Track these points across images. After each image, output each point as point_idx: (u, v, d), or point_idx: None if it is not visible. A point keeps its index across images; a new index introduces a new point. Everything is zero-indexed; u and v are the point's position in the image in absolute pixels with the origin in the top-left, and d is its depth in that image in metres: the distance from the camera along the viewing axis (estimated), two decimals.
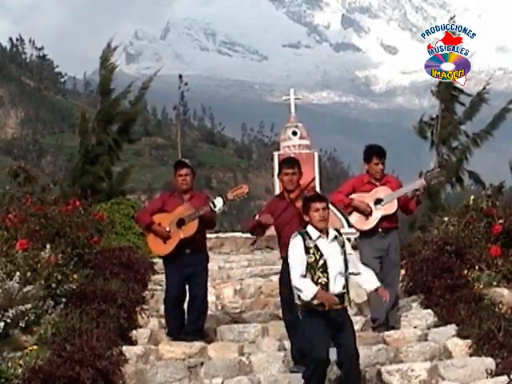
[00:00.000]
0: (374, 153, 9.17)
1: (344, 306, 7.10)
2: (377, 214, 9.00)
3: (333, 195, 9.39)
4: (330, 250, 7.07)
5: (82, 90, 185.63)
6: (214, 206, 8.83)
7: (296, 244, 7.11)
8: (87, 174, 20.24)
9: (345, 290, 7.08)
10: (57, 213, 11.28)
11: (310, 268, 7.01)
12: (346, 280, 7.10)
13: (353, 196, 9.10)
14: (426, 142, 23.17)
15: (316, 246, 7.06)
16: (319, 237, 7.09)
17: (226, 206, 9.07)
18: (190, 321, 9.07)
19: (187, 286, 9.12)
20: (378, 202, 9.03)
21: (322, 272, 6.99)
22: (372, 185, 9.14)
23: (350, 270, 7.18)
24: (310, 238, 7.08)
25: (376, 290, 7.30)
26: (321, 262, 7.01)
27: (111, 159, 21.00)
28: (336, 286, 7.02)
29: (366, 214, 9.03)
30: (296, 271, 7.04)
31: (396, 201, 9.01)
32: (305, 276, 7.00)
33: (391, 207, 9.01)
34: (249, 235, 9.12)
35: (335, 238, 7.13)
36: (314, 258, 7.01)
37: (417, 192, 9.08)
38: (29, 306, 8.24)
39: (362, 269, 7.32)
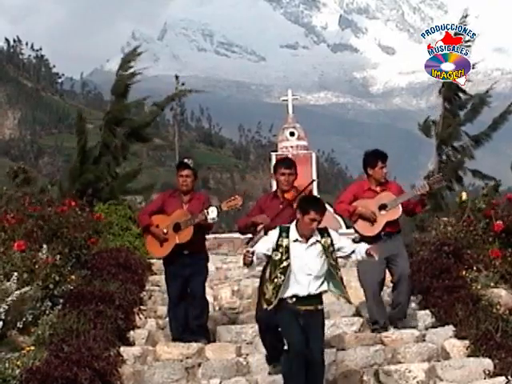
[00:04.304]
0: (378, 157, 9.14)
1: (317, 308, 7.11)
2: (382, 219, 8.99)
3: (336, 205, 9.32)
4: (304, 255, 7.04)
5: (78, 91, 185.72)
6: (208, 215, 8.86)
7: (271, 235, 7.18)
8: (86, 173, 20.12)
9: (319, 292, 7.08)
10: (54, 213, 11.27)
11: (272, 265, 7.04)
12: (329, 283, 7.12)
13: (356, 203, 9.09)
14: (428, 141, 23.05)
15: (287, 247, 7.04)
16: (296, 240, 7.09)
17: (220, 215, 9.09)
18: (192, 318, 9.07)
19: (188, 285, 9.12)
20: (382, 207, 9.02)
21: (280, 273, 6.98)
22: (373, 191, 9.11)
23: (341, 254, 7.22)
24: (287, 237, 7.08)
25: (367, 254, 7.24)
26: (284, 263, 6.99)
27: (116, 160, 20.84)
28: (310, 288, 7.02)
29: (371, 220, 9.02)
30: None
31: (400, 206, 9.02)
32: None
33: (396, 213, 9.00)
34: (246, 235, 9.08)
35: (316, 242, 7.09)
36: (279, 257, 7.01)
37: (422, 196, 9.08)
38: (16, 293, 8.18)
39: (353, 246, 7.32)
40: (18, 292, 8.22)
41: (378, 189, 9.12)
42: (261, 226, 8.22)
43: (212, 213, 8.86)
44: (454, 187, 21.51)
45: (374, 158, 9.15)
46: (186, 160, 9.47)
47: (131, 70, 21.12)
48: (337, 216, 24.20)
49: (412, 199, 9.10)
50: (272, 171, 8.63)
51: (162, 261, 9.57)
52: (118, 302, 9.31)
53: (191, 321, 9.07)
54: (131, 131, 21.04)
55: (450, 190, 21.42)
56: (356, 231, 9.24)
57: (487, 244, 10.18)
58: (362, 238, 9.18)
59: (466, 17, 22.11)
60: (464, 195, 11.69)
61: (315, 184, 27.60)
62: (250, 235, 8.70)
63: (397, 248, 9.02)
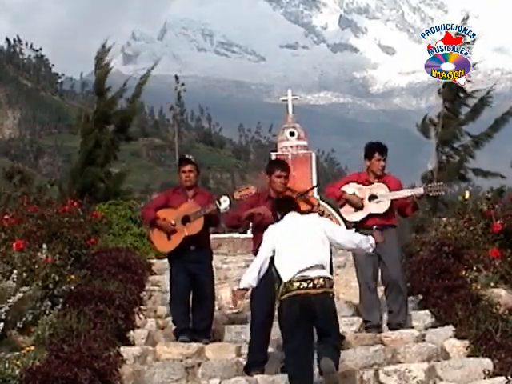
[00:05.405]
0: (375, 149, 9.15)
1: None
2: (366, 209, 8.98)
3: (327, 188, 9.41)
4: None
5: (78, 91, 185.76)
6: (220, 205, 8.77)
7: None
8: (87, 174, 20.23)
9: None
10: (54, 213, 11.27)
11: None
12: None
13: (349, 185, 9.09)
14: (428, 141, 23.06)
15: None
16: None
17: (232, 205, 8.96)
18: (198, 319, 9.01)
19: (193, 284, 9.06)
20: (372, 197, 9.01)
21: None
22: (369, 183, 9.13)
23: None
24: None
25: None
26: None
27: (108, 159, 20.99)
28: None
29: (357, 207, 9.01)
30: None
31: (389, 202, 8.98)
32: None
33: (382, 207, 8.98)
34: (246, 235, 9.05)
35: None
36: None
37: (414, 199, 9.05)
38: (19, 295, 8.18)
39: None
40: (20, 294, 8.23)
41: (375, 181, 9.11)
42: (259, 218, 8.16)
43: (224, 202, 8.69)
44: (454, 186, 21.56)
45: (372, 149, 9.16)
46: (187, 155, 9.45)
47: (105, 67, 21.53)
48: (338, 217, 24.24)
49: (406, 199, 9.05)
50: (265, 172, 8.46)
51: (164, 260, 9.52)
52: (117, 301, 9.28)
53: (197, 322, 9.00)
54: (118, 129, 21.24)
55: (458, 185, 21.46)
56: (341, 217, 9.27)
57: (487, 244, 10.17)
58: (355, 229, 9.17)
59: (467, 19, 22.15)
60: (467, 194, 11.71)
61: (315, 183, 27.50)
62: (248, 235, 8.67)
63: (387, 243, 8.86)
